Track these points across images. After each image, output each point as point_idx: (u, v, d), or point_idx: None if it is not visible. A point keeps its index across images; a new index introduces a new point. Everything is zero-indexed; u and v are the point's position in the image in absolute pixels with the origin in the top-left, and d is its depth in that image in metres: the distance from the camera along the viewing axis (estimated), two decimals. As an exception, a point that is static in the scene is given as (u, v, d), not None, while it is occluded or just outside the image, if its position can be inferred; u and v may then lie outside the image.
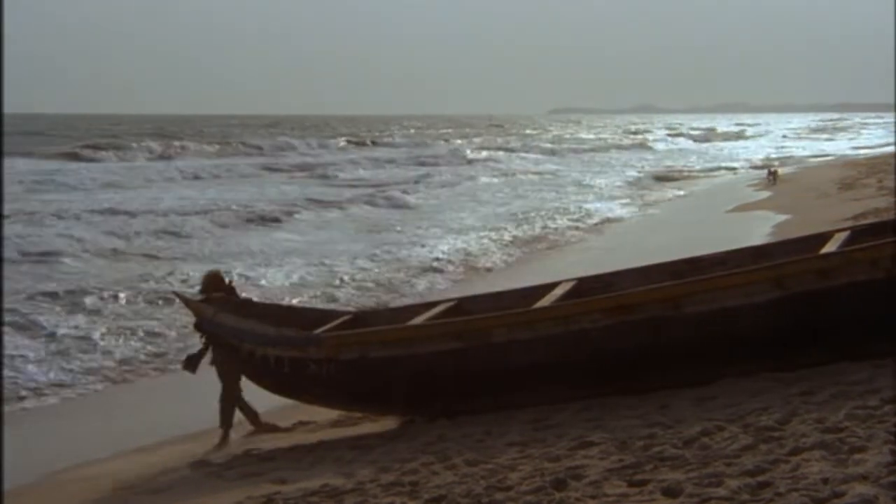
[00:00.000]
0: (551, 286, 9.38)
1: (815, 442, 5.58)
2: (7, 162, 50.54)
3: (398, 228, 27.29)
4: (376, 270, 19.67)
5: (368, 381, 8.56)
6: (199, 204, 32.50)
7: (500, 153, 70.66)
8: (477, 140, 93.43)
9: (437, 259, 21.14)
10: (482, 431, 7.54)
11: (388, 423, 8.99)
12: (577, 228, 26.72)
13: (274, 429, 9.67)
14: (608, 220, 28.59)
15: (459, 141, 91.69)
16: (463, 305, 9.57)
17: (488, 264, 20.95)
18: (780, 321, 7.47)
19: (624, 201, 34.49)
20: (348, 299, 17.00)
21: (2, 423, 9.51)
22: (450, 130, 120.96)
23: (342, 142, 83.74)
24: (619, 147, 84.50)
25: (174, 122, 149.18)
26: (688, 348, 7.64)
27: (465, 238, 24.37)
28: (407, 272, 19.60)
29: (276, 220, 29.29)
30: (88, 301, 16.29)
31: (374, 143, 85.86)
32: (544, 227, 26.82)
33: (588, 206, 32.58)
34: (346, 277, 18.85)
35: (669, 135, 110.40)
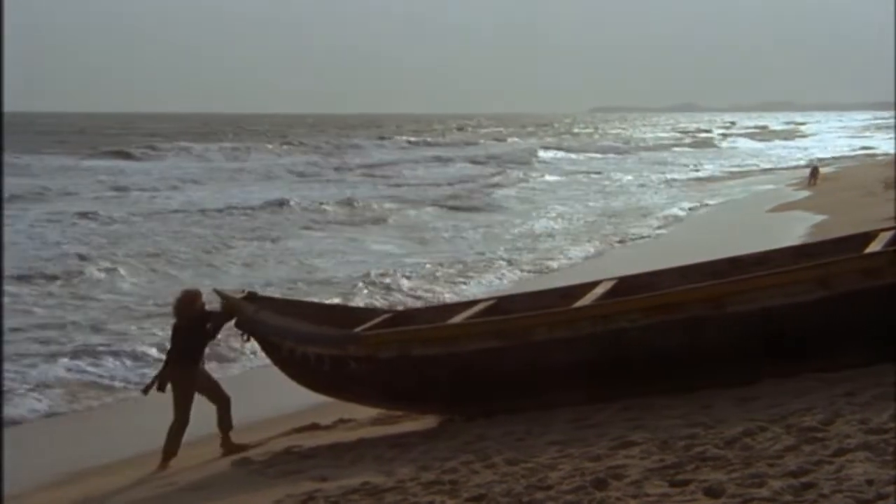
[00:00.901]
0: (591, 285, 9.35)
1: (860, 443, 5.51)
2: (61, 160, 51.32)
3: (480, 228, 27.52)
4: (455, 269, 19.92)
5: (408, 379, 8.56)
6: (285, 202, 32.72)
7: (569, 153, 70.14)
8: (533, 140, 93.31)
9: (508, 261, 21.29)
10: (522, 430, 7.53)
11: (427, 422, 9.00)
12: (654, 226, 26.84)
13: (241, 448, 9.32)
14: (679, 218, 28.61)
15: (517, 139, 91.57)
16: (502, 304, 9.55)
17: (562, 262, 21.08)
18: (823, 321, 7.39)
19: (692, 197, 34.60)
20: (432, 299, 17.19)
21: (2, 423, 9.59)
22: (501, 129, 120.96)
23: (402, 140, 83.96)
24: (682, 145, 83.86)
25: (212, 119, 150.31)
26: (729, 348, 7.58)
27: (543, 238, 24.76)
28: (484, 270, 19.85)
29: (374, 221, 29.15)
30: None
31: (428, 142, 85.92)
32: (622, 225, 27.05)
33: (661, 203, 32.72)
34: (435, 275, 19.13)
35: (726, 133, 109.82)
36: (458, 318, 9.07)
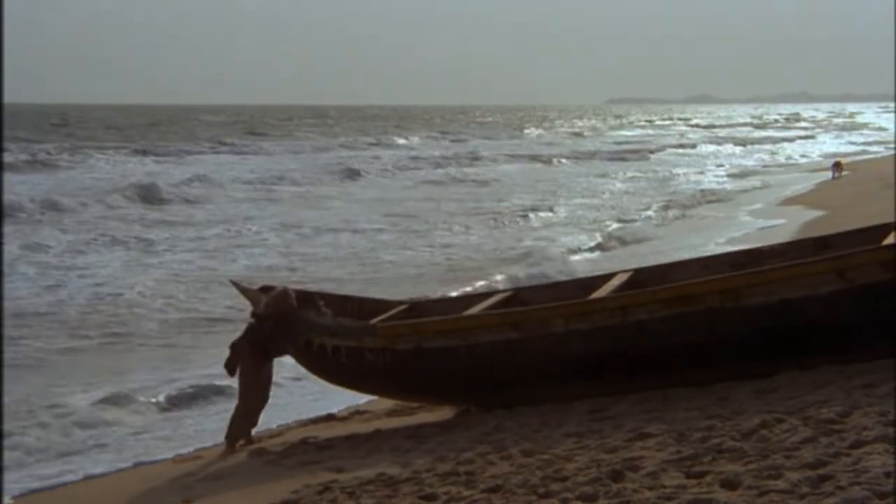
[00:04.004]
0: (608, 276, 9.35)
1: (878, 435, 5.49)
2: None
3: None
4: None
5: (424, 371, 8.57)
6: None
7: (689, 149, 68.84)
8: (627, 131, 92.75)
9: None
10: (539, 422, 7.53)
11: (444, 413, 9.01)
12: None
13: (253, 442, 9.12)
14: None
15: (610, 131, 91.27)
16: (519, 295, 9.55)
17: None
18: (842, 313, 7.36)
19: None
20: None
21: (2, 424, 9.61)
22: (579, 121, 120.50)
23: (530, 131, 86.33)
24: (797, 139, 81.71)
25: (259, 111, 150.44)
26: (747, 340, 7.55)
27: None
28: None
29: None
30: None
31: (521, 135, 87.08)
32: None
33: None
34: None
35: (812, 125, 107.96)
36: (474, 310, 9.06)
